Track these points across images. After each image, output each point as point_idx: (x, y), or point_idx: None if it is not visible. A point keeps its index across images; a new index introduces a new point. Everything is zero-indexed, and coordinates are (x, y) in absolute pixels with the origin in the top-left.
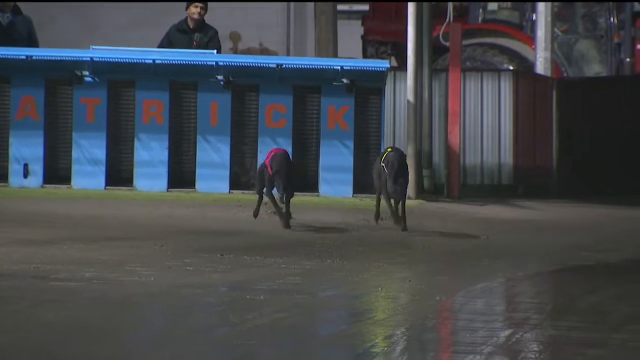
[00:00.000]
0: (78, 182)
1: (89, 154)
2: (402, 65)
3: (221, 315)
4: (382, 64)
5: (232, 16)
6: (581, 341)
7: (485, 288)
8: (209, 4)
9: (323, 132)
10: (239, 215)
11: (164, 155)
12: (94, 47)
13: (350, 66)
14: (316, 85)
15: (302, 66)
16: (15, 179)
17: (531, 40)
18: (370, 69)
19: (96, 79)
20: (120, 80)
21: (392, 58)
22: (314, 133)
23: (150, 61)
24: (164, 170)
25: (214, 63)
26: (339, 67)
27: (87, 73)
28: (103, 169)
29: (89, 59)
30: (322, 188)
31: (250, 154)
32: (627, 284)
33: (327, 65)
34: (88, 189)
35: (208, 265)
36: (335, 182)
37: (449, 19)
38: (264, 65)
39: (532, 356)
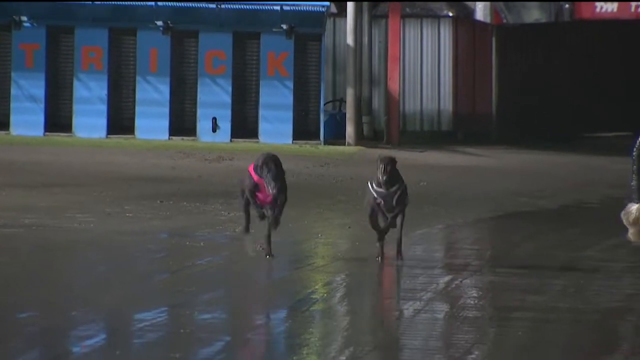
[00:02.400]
0: (17, 128)
1: (27, 99)
2: (342, 12)
3: (161, 262)
4: (322, 4)
5: None
6: (521, 287)
7: (425, 234)
8: None
9: (263, 78)
10: (179, 162)
11: (103, 101)
12: None
13: (290, 6)
14: (256, 31)
15: (242, 7)
16: None
17: None
18: (310, 9)
19: (35, 24)
20: (59, 26)
21: (332, 5)
22: (253, 80)
23: (89, 2)
24: (103, 117)
25: (154, 4)
26: (279, 8)
27: (25, 19)
28: (42, 116)
29: (27, 3)
30: (262, 134)
31: (190, 101)
32: (566, 230)
33: (267, 7)
34: (27, 135)
35: (148, 212)
36: (275, 129)
37: None
38: (204, 6)
39: (472, 302)
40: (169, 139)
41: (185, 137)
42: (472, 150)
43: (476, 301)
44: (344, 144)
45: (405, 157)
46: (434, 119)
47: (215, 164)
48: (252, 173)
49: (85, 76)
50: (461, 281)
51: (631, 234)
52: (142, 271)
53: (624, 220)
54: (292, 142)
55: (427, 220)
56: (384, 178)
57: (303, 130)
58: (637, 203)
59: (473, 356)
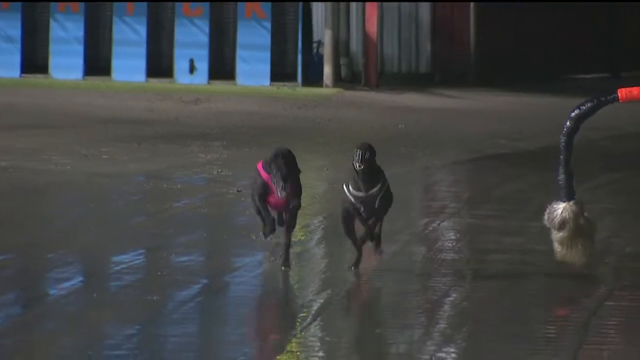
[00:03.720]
0: None
1: (3, 40)
2: None
3: (138, 204)
4: None
5: None
6: (498, 229)
7: (402, 176)
8: None
9: (240, 20)
10: (156, 105)
11: (80, 43)
12: None
13: None
14: None
15: None
16: None
17: None
18: None
19: None
20: None
21: None
22: (231, 21)
23: None
24: (79, 58)
25: None
26: None
27: None
28: (18, 57)
29: None
30: (240, 76)
31: (167, 43)
32: (544, 172)
33: None
34: (3, 77)
35: (125, 154)
36: (252, 70)
37: None
38: None
39: (450, 245)
40: (145, 80)
41: (162, 79)
42: (451, 92)
43: (454, 244)
44: (322, 86)
45: (382, 99)
46: (412, 61)
47: (193, 106)
48: (261, 171)
49: (62, 17)
50: (439, 224)
51: (557, 240)
52: (119, 213)
53: (548, 223)
54: (270, 84)
55: (405, 163)
56: (362, 167)
57: (280, 72)
58: (565, 202)
59: (451, 298)
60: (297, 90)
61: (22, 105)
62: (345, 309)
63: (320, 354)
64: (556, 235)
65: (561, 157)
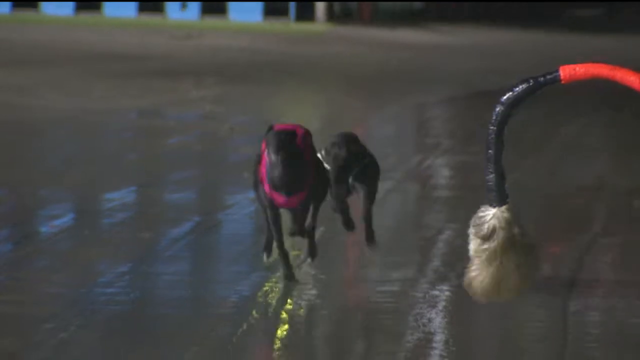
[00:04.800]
0: None
1: None
2: None
3: (130, 141)
4: None
5: None
6: None
7: (395, 113)
8: None
9: None
10: (148, 40)
11: None
12: None
13: None
14: None
15: None
16: None
17: None
18: None
19: None
20: None
21: None
22: None
23: None
24: None
25: None
26: None
27: None
28: None
29: None
30: (232, 12)
31: None
32: (538, 108)
33: None
34: None
35: (117, 90)
36: (244, 5)
37: None
38: None
39: (443, 182)
40: (136, 16)
41: (153, 15)
42: (445, 28)
43: (447, 180)
44: (315, 22)
45: (376, 35)
46: None
47: (185, 42)
48: (265, 156)
49: None
50: (432, 160)
51: (478, 254)
52: (111, 151)
53: (473, 232)
54: (262, 20)
55: (398, 99)
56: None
57: (273, 7)
58: (495, 207)
59: (444, 236)
60: (289, 26)
61: (12, 41)
62: (338, 247)
63: (313, 291)
64: (481, 248)
65: (489, 151)
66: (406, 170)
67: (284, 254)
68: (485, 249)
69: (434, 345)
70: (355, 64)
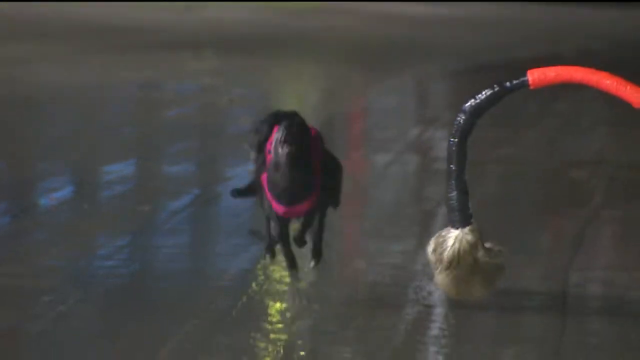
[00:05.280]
0: None
1: None
2: None
3: (129, 114)
4: None
5: None
6: (492, 140)
7: (394, 85)
8: None
9: None
10: (147, 12)
11: None
12: None
13: None
14: None
15: None
16: None
17: None
18: None
19: None
20: None
21: None
22: None
23: None
24: None
25: None
26: None
27: None
28: None
29: None
30: None
31: None
32: None
33: None
34: None
35: (115, 63)
36: None
37: None
38: None
39: (443, 154)
40: None
41: None
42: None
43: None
44: None
45: (374, 7)
46: None
47: (183, 14)
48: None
49: None
50: (432, 133)
51: (442, 277)
52: (109, 124)
53: (433, 256)
54: None
55: (397, 72)
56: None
57: None
58: (458, 228)
59: (444, 209)
60: None
61: (8, 12)
62: (338, 217)
63: (313, 263)
64: (442, 276)
65: (451, 166)
66: (406, 142)
67: (292, 264)
68: (450, 276)
69: (434, 318)
70: (354, 37)
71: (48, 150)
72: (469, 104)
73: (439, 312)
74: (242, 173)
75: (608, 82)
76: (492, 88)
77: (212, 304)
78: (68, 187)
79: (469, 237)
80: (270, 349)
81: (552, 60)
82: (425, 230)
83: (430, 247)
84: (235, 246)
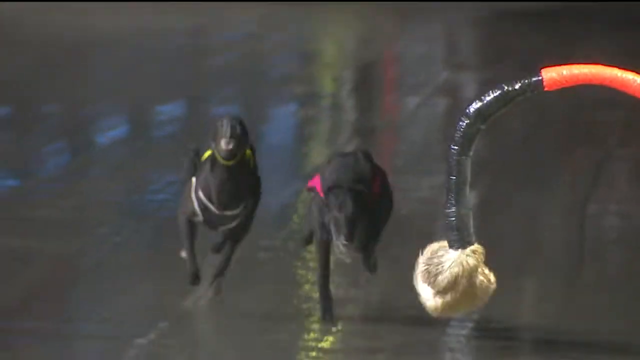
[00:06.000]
0: None
1: None
2: None
3: (178, 59)
4: None
5: None
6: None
7: (422, 32)
8: None
9: None
10: None
11: None
12: None
13: None
14: None
15: None
16: None
17: None
18: None
19: None
20: None
21: None
22: None
23: None
24: None
25: None
26: None
27: None
28: None
29: None
30: None
31: None
32: (557, 30)
33: None
34: None
35: (164, 8)
36: None
37: None
38: None
39: (470, 97)
40: None
41: None
42: None
43: (475, 96)
44: None
45: None
46: None
47: None
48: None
49: None
50: (459, 78)
51: (433, 300)
52: (160, 68)
53: (424, 277)
54: None
55: (424, 18)
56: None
57: None
58: (458, 249)
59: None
60: None
61: None
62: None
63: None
64: (434, 299)
65: (451, 178)
66: (435, 85)
67: (326, 296)
68: (442, 300)
69: None
70: None
71: (103, 93)
72: (473, 106)
73: None
74: (283, 114)
75: (636, 84)
76: (500, 89)
77: (254, 235)
78: (122, 126)
79: (470, 261)
80: (309, 277)
81: (567, 9)
82: None
83: (420, 266)
84: (277, 182)
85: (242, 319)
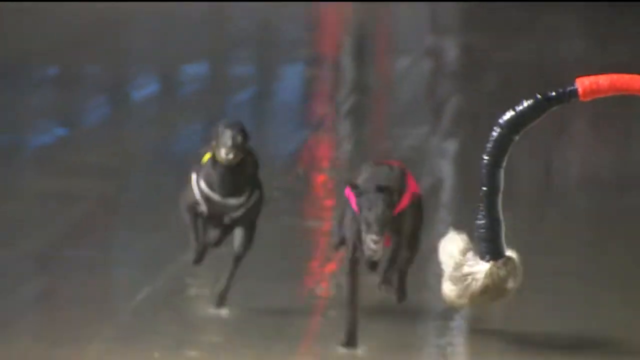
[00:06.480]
0: None
1: None
2: None
3: (202, 26)
4: None
5: None
6: (488, 47)
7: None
8: None
9: None
10: None
11: None
12: None
13: None
14: None
15: None
16: None
17: None
18: None
19: None
20: None
21: None
22: None
23: None
24: None
25: None
26: None
27: None
28: None
29: None
30: None
31: None
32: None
33: None
34: None
35: None
36: None
37: None
38: None
39: (453, 59)
40: None
41: None
42: None
43: (459, 60)
44: None
45: None
46: None
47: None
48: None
49: None
50: (446, 41)
51: (461, 301)
52: (186, 33)
53: (456, 285)
54: None
55: None
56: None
57: None
58: (489, 261)
59: (453, 102)
60: None
61: None
62: (367, 112)
63: (349, 147)
64: (462, 301)
65: (484, 189)
66: (421, 49)
67: (352, 320)
68: (469, 301)
69: (445, 187)
70: None
71: (138, 55)
72: (506, 116)
73: (448, 184)
74: (292, 73)
75: None
76: (535, 99)
77: (269, 177)
78: (154, 84)
79: (502, 272)
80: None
81: None
82: (437, 118)
83: (448, 268)
84: (291, 132)
85: (261, 250)
